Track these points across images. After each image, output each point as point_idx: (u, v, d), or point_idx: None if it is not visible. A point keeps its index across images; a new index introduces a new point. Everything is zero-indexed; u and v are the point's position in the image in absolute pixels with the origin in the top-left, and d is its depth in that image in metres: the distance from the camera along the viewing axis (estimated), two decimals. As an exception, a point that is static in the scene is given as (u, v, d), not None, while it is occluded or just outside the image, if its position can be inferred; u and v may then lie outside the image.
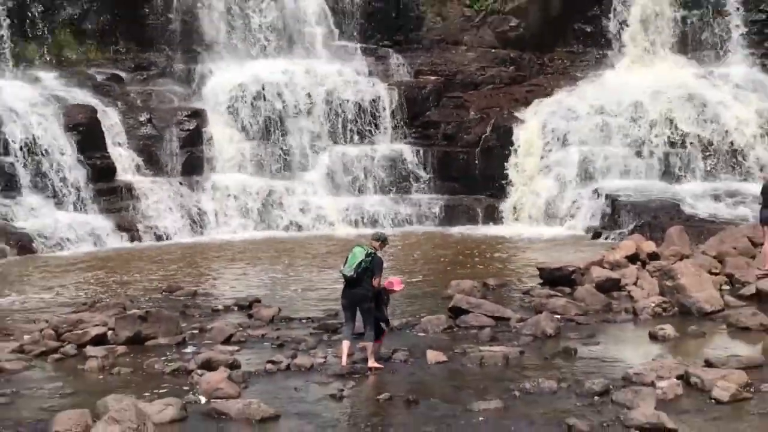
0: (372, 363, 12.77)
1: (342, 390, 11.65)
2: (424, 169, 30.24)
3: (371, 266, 12.64)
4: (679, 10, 32.34)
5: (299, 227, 28.20)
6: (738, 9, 32.04)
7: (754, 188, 22.45)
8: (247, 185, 28.80)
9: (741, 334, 14.76)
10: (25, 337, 14.58)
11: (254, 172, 29.49)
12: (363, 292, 12.68)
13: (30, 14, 30.08)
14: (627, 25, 32.72)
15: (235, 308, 17.24)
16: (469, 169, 30.11)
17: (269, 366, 12.85)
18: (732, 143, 28.43)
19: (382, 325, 13.05)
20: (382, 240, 13.22)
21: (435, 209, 29.34)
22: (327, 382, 12.18)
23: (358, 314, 12.93)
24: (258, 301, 17.49)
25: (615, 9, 32.86)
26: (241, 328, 15.25)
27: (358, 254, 12.67)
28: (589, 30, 33.36)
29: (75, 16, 30.81)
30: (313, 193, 29.19)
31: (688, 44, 32.34)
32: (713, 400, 10.99)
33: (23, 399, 11.60)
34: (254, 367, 12.88)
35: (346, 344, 12.87)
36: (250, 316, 16.44)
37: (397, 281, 13.32)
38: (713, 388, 11.25)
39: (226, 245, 25.88)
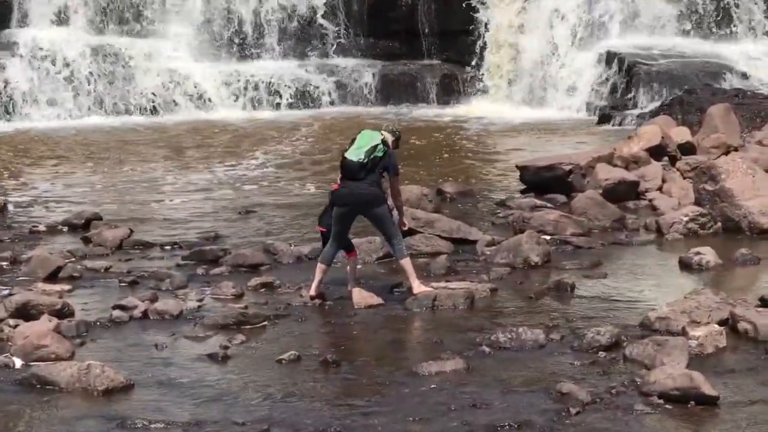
0: (419, 287, 13.16)
1: (227, 347, 11.76)
2: (347, 20, 30.11)
3: (388, 159, 12.88)
4: None
5: (155, 109, 28.06)
6: None
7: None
8: (77, 46, 28.56)
9: (812, 261, 15.21)
10: None
11: (87, 26, 29.19)
12: (375, 191, 12.92)
13: None
14: None
15: (65, 229, 17.28)
16: (415, 22, 30.06)
17: (117, 313, 12.92)
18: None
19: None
20: (398, 137, 13.39)
21: (364, 80, 29.39)
22: (204, 336, 12.30)
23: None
24: (98, 218, 17.51)
25: None
26: (73, 258, 15.30)
27: (372, 137, 12.88)
28: None
29: None
30: (179, 57, 29.04)
31: None
32: (771, 355, 11.34)
33: None
34: (95, 315, 12.96)
35: (321, 267, 13.27)
36: (86, 241, 16.47)
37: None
38: (771, 337, 11.61)
39: (47, 136, 25.80)
